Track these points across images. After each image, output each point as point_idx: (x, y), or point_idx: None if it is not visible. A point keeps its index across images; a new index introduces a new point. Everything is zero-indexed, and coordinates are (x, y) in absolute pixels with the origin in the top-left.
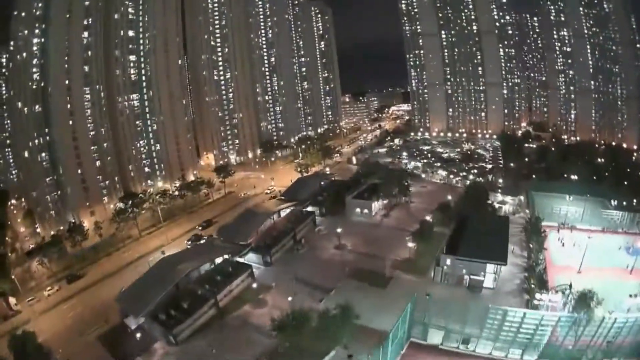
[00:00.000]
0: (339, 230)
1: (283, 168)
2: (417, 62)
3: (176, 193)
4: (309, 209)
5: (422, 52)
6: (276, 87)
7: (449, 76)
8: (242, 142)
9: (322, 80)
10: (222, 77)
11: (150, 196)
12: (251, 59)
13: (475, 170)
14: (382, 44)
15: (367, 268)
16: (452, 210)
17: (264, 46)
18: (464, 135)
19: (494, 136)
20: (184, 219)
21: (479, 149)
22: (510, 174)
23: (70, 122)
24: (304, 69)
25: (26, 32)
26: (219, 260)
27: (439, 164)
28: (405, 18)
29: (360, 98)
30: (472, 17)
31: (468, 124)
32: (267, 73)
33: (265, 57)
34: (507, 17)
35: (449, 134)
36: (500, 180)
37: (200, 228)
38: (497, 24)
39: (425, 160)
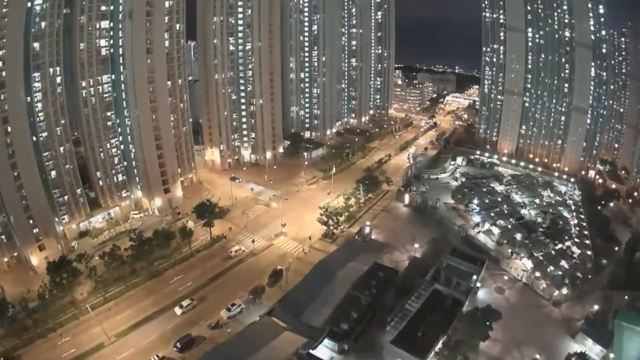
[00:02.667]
0: None
1: (307, 189)
2: (495, 60)
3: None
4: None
5: (503, 48)
6: (316, 63)
7: (528, 85)
8: (260, 136)
9: (373, 58)
10: (240, 48)
11: (86, 259)
12: (285, 25)
13: (565, 265)
14: (437, 21)
15: None
16: None
17: (305, 9)
18: (535, 165)
19: (571, 179)
20: (142, 292)
21: (559, 200)
22: (596, 276)
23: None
24: (354, 43)
25: None
26: None
27: (519, 236)
28: (486, 2)
29: (415, 82)
30: (566, 20)
31: (540, 149)
32: (307, 45)
33: (306, 24)
34: (603, 32)
35: (518, 161)
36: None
37: (175, 349)
38: (593, 37)
39: (502, 223)
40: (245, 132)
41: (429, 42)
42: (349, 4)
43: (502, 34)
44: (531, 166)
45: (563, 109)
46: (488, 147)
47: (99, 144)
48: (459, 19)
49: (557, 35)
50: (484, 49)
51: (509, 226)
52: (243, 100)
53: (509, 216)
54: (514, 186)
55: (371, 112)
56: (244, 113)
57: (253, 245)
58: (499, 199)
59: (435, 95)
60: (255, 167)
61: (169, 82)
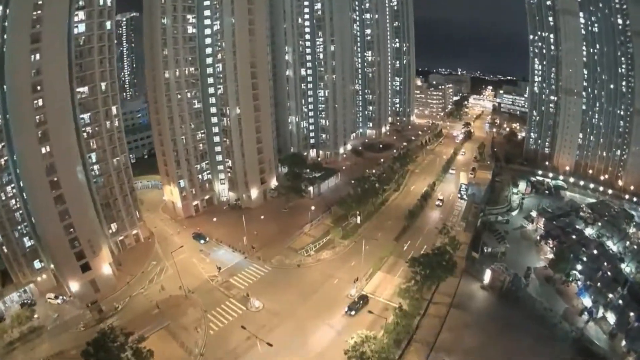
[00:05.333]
0: None
1: (316, 261)
2: (546, 51)
3: None
4: None
5: (554, 36)
6: (321, 55)
7: (585, 84)
8: (239, 164)
9: (390, 53)
10: (202, 28)
11: None
12: (275, 3)
13: None
14: (447, 22)
15: None
16: None
17: None
18: (597, 183)
19: None
20: None
21: None
22: None
23: None
24: (368, 32)
25: None
26: None
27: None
28: None
29: (434, 83)
30: (617, 4)
31: (598, 163)
32: (308, 29)
33: (306, 4)
34: None
35: (577, 179)
36: None
37: None
38: None
39: (612, 298)
40: (218, 159)
41: (428, 44)
42: None
43: (550, 18)
44: (601, 188)
45: (621, 113)
46: (547, 163)
47: None
48: (456, 21)
49: (611, 21)
50: (531, 37)
51: (620, 302)
52: (213, 111)
53: (615, 282)
54: (600, 225)
55: (389, 119)
56: (215, 129)
57: None
58: (595, 252)
59: (458, 97)
60: (236, 211)
61: (84, 89)
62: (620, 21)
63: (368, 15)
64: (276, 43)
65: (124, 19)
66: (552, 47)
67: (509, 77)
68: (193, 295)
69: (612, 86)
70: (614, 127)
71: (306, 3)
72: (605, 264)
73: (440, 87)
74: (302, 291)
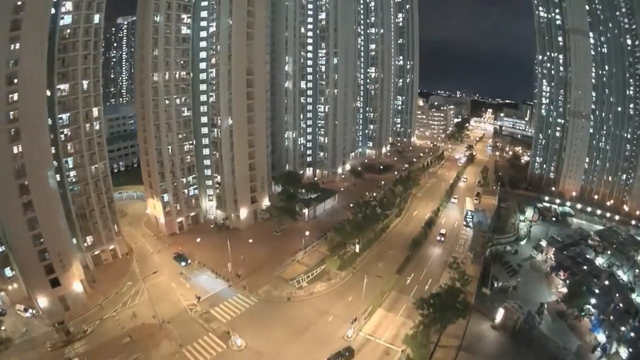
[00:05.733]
0: None
1: (308, 296)
2: (554, 72)
3: None
4: None
5: (563, 57)
6: (323, 67)
7: (593, 106)
8: (229, 181)
9: (394, 70)
10: (198, 30)
11: None
12: (279, 10)
13: None
14: (445, 44)
15: None
16: None
17: None
18: (604, 209)
19: None
20: None
21: None
22: None
23: None
24: (372, 47)
25: None
26: None
27: None
28: None
29: (436, 104)
30: (626, 24)
31: (603, 188)
32: (310, 41)
33: (310, 9)
34: None
35: (584, 205)
36: None
37: None
38: None
39: (625, 330)
40: (207, 173)
41: (428, 65)
42: None
43: (560, 38)
44: (607, 214)
45: (628, 136)
46: (553, 188)
47: None
48: (455, 43)
49: (620, 40)
50: (539, 57)
51: (632, 334)
52: (204, 120)
53: (627, 314)
54: (609, 253)
55: (390, 139)
56: (204, 141)
57: None
58: (607, 283)
59: (459, 119)
60: (224, 231)
61: (65, 86)
62: (629, 42)
63: (373, 30)
64: (276, 52)
65: (125, 23)
66: (561, 68)
67: (507, 101)
68: (168, 326)
69: (619, 109)
70: (621, 151)
71: (310, 12)
72: (617, 295)
73: (442, 108)
74: (291, 329)
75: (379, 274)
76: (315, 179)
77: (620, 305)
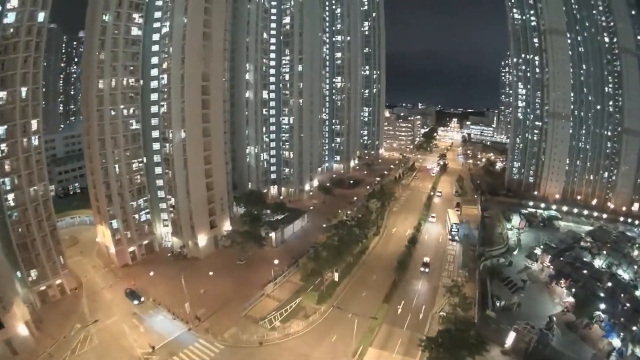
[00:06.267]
0: None
1: (282, 340)
2: (530, 74)
3: None
4: None
5: (538, 58)
6: (287, 75)
7: (572, 106)
8: (184, 204)
9: (360, 80)
10: (149, 30)
11: None
12: (240, 13)
13: None
14: (405, 57)
15: None
16: None
17: None
18: (590, 209)
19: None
20: None
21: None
22: None
23: None
24: (339, 56)
25: None
26: None
27: None
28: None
29: (402, 114)
30: (604, 22)
31: (585, 188)
32: (273, 48)
33: (274, 12)
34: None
35: (570, 207)
36: None
37: None
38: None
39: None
40: (160, 195)
41: (390, 77)
42: (333, 2)
43: (536, 40)
44: (595, 213)
45: (608, 134)
46: (536, 192)
47: None
48: (415, 55)
49: (597, 39)
50: (514, 60)
51: None
52: (155, 134)
53: (636, 312)
54: (605, 253)
55: (357, 154)
56: (156, 158)
57: None
58: (610, 285)
59: (426, 129)
60: (181, 261)
61: (2, 94)
62: (607, 39)
63: (339, 38)
64: (236, 60)
65: None
66: (537, 70)
67: (470, 110)
68: None
69: (598, 107)
70: (601, 149)
71: (274, 17)
72: (622, 295)
73: (409, 118)
74: None
75: (364, 307)
76: (281, 197)
77: (628, 305)
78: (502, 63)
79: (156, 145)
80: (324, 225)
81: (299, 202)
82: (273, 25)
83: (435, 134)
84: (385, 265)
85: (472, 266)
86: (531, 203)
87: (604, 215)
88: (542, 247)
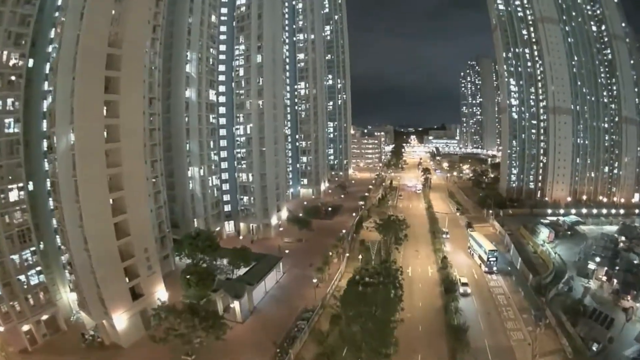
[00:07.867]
0: None
1: None
2: (521, 69)
3: None
4: None
5: (531, 50)
6: (242, 71)
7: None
8: (84, 263)
9: (324, 90)
10: None
11: None
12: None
13: None
14: (358, 78)
15: None
16: None
17: None
18: (599, 207)
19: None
20: None
21: None
22: None
23: None
24: (301, 57)
25: None
26: None
27: None
28: None
29: (367, 131)
30: (589, 11)
31: (587, 185)
32: (224, 31)
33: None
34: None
35: (588, 209)
36: None
37: None
38: (626, 27)
39: None
40: (59, 242)
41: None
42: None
43: (524, 31)
44: (613, 211)
45: (605, 126)
46: (547, 198)
47: None
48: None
49: (585, 27)
50: (504, 54)
51: None
52: (45, 143)
53: None
54: None
55: (326, 177)
56: (48, 183)
57: None
58: None
59: (395, 146)
60: (98, 351)
61: None
62: (594, 28)
63: (301, 36)
64: (174, 47)
65: None
66: (529, 64)
67: (424, 127)
68: None
69: (593, 99)
70: (600, 143)
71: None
72: None
73: (375, 134)
74: None
75: None
76: (241, 237)
77: None
78: (462, 74)
79: (45, 163)
80: (316, 283)
81: (266, 241)
82: (224, 5)
83: (402, 150)
84: (425, 335)
85: (542, 309)
86: (549, 211)
87: (621, 211)
88: (596, 260)
